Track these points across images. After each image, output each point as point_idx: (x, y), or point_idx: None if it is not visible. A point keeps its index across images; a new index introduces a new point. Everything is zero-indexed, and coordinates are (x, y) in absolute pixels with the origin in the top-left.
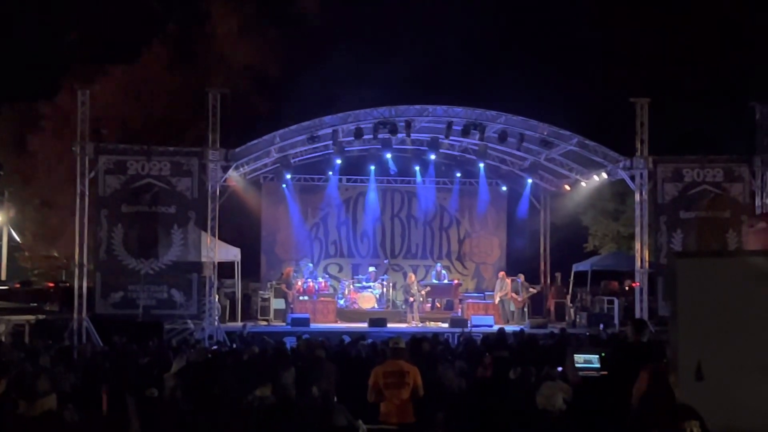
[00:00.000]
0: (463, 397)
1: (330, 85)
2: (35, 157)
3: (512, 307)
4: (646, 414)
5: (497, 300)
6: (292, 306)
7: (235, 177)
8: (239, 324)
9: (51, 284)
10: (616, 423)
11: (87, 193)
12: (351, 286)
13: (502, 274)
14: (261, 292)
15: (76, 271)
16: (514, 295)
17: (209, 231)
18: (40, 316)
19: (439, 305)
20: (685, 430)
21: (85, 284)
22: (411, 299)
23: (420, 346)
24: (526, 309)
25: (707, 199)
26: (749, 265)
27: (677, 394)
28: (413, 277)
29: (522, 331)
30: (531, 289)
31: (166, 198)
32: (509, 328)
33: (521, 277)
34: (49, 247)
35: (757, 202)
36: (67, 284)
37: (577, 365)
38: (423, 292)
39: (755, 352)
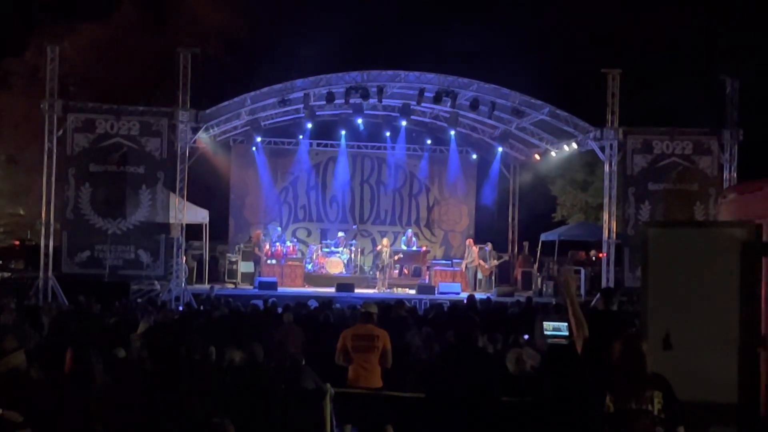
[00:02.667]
0: (430, 362)
1: (302, 48)
2: (2, 114)
3: (479, 275)
4: (618, 382)
5: (464, 267)
6: (259, 269)
7: (204, 138)
8: (206, 286)
9: (16, 242)
10: (584, 390)
11: (55, 151)
12: (319, 251)
13: (469, 241)
14: (229, 254)
15: (43, 229)
16: (481, 262)
17: (178, 192)
18: (5, 274)
19: (406, 272)
20: (646, 399)
21: (51, 243)
22: (382, 264)
23: (388, 311)
24: (492, 277)
25: (676, 172)
26: (719, 236)
27: (649, 362)
28: (387, 242)
29: (489, 298)
30: (494, 261)
31: (135, 158)
32: (477, 296)
33: (489, 246)
34: (15, 205)
35: (725, 175)
36: (33, 242)
37: (545, 333)
38: (396, 258)
39: (721, 323)
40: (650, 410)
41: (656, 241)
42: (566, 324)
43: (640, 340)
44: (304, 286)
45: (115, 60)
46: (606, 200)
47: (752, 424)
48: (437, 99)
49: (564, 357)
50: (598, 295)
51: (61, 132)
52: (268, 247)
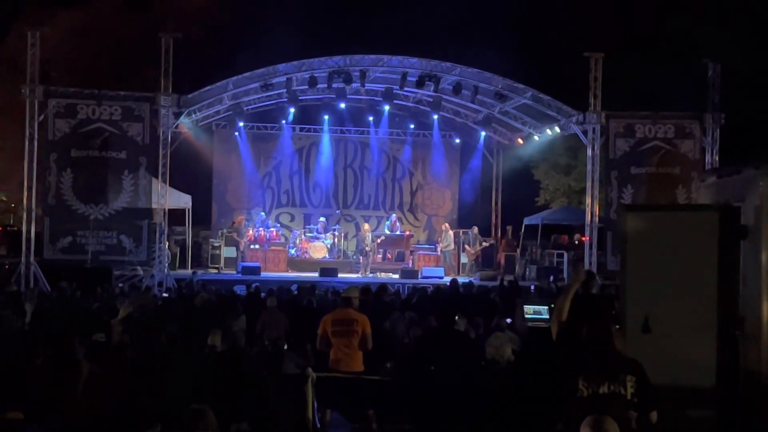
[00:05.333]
0: (412, 346)
1: (285, 32)
2: None
3: (463, 259)
4: (590, 366)
5: (440, 251)
6: (243, 254)
7: (186, 123)
8: (189, 271)
9: None
10: (558, 374)
11: (36, 136)
12: (302, 236)
13: (445, 225)
14: (212, 240)
15: (25, 215)
16: (467, 246)
17: (160, 177)
18: None
19: (390, 256)
20: (618, 383)
21: (33, 229)
22: (368, 248)
23: (370, 296)
24: (466, 261)
25: (658, 155)
26: (698, 219)
27: (619, 346)
28: (368, 226)
29: (471, 282)
30: (484, 243)
31: (117, 143)
32: (460, 280)
33: (475, 230)
34: None
35: (707, 158)
36: (15, 228)
37: (526, 316)
38: (378, 241)
39: (700, 306)
40: (623, 394)
41: (635, 225)
42: (546, 308)
43: (609, 323)
44: (287, 271)
45: (97, 45)
46: (588, 184)
47: (730, 407)
48: (420, 83)
49: (544, 340)
50: None
51: (42, 117)
52: (251, 232)
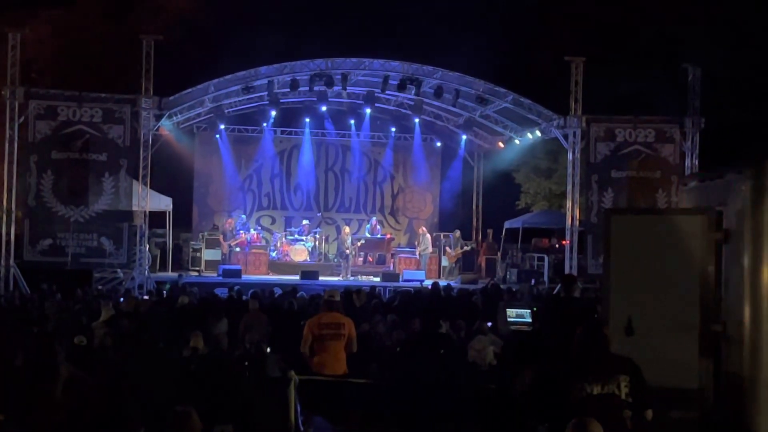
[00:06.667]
0: (394, 349)
1: (266, 35)
2: None
3: (444, 262)
4: (585, 367)
5: (418, 255)
6: (229, 257)
7: (167, 126)
8: (170, 274)
9: None
10: (546, 376)
11: (16, 138)
12: (283, 239)
13: (422, 229)
14: (192, 242)
15: (4, 217)
16: (447, 249)
17: (141, 180)
18: None
19: (371, 259)
20: (613, 383)
21: (13, 231)
22: (347, 251)
23: (353, 298)
24: (447, 264)
25: (638, 160)
26: (680, 223)
27: (612, 347)
28: (348, 229)
29: (450, 285)
30: (465, 246)
31: (98, 145)
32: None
33: (457, 233)
34: None
35: (687, 162)
36: None
37: (509, 319)
38: (358, 244)
39: (682, 309)
40: (617, 394)
41: (618, 228)
42: (529, 311)
43: (602, 325)
44: (268, 274)
45: (78, 47)
46: (569, 188)
47: (712, 409)
48: (401, 86)
49: (527, 343)
50: (560, 281)
51: (22, 119)
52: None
